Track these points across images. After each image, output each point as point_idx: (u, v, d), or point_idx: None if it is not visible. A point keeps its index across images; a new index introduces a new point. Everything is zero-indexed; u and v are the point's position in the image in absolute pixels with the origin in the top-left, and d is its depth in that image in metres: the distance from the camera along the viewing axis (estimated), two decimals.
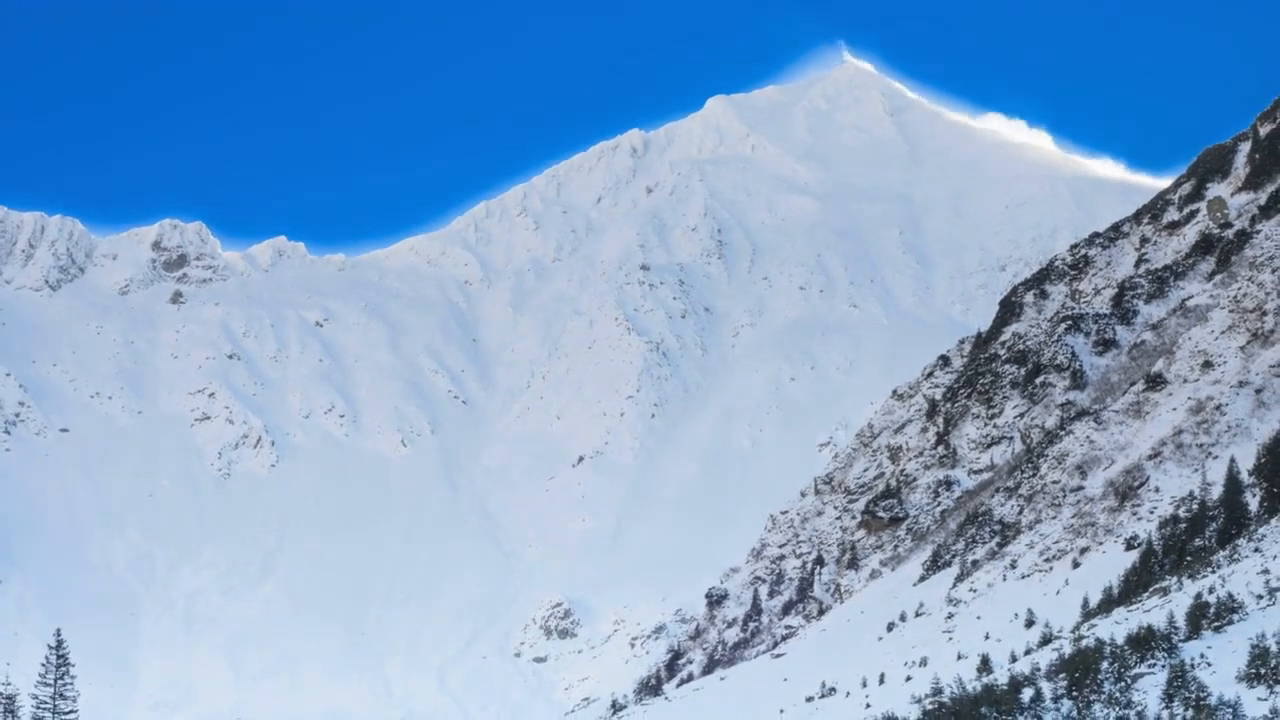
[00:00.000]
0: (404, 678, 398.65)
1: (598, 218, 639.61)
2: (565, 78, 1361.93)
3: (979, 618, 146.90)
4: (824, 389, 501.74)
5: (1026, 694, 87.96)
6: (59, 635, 73.69)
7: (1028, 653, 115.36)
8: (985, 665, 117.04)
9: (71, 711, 72.88)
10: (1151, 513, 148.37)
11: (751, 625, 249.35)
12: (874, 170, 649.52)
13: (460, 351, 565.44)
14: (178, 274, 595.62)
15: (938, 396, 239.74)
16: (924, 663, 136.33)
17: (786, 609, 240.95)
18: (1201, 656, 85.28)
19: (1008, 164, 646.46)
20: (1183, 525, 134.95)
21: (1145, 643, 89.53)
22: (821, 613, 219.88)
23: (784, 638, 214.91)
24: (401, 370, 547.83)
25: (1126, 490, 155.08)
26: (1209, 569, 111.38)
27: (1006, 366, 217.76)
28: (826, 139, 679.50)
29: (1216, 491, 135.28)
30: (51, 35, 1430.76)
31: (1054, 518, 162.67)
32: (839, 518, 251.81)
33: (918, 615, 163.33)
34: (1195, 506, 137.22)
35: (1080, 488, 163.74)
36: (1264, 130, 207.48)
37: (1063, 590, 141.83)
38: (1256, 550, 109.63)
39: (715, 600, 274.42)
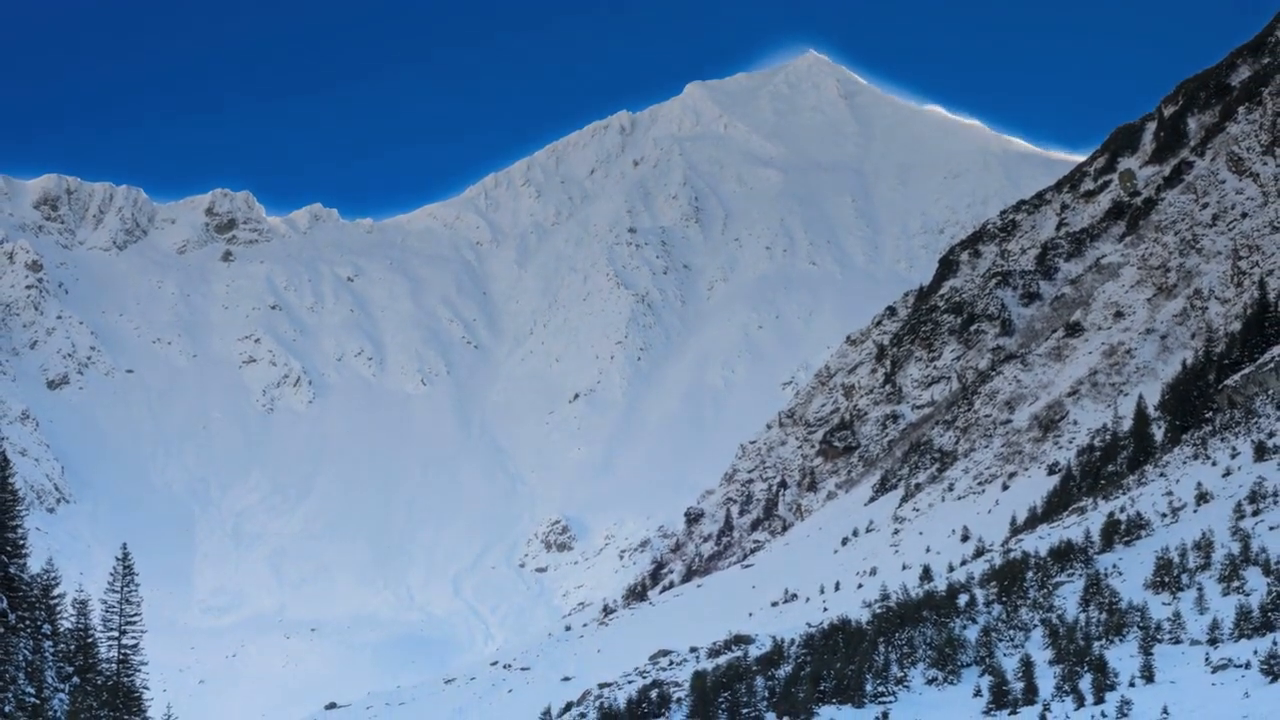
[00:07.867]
0: (423, 585, 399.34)
1: (591, 187, 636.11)
2: (564, 66, 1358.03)
3: (921, 533, 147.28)
4: (787, 335, 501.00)
5: (962, 599, 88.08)
6: (125, 549, 72.98)
7: (963, 563, 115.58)
8: (926, 574, 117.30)
9: (136, 615, 72.35)
10: (1070, 442, 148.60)
11: (724, 540, 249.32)
12: (830, 146, 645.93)
13: (472, 303, 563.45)
14: (228, 236, 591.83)
15: (885, 342, 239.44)
16: (873, 572, 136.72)
17: (754, 526, 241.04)
18: (1114, 567, 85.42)
19: (946, 141, 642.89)
20: (1097, 453, 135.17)
21: (1065, 555, 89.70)
22: (785, 529, 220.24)
23: (752, 550, 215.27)
24: (421, 319, 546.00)
25: (1049, 423, 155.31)
26: (1120, 491, 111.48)
27: (945, 316, 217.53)
28: (789, 119, 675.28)
29: (1127, 424, 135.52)
30: (122, 33, 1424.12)
31: (986, 447, 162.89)
32: (800, 447, 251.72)
33: (868, 531, 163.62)
34: (1108, 437, 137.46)
35: (1009, 421, 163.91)
36: (1168, 111, 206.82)
37: (994, 509, 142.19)
38: (1161, 475, 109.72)
39: (693, 518, 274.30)
